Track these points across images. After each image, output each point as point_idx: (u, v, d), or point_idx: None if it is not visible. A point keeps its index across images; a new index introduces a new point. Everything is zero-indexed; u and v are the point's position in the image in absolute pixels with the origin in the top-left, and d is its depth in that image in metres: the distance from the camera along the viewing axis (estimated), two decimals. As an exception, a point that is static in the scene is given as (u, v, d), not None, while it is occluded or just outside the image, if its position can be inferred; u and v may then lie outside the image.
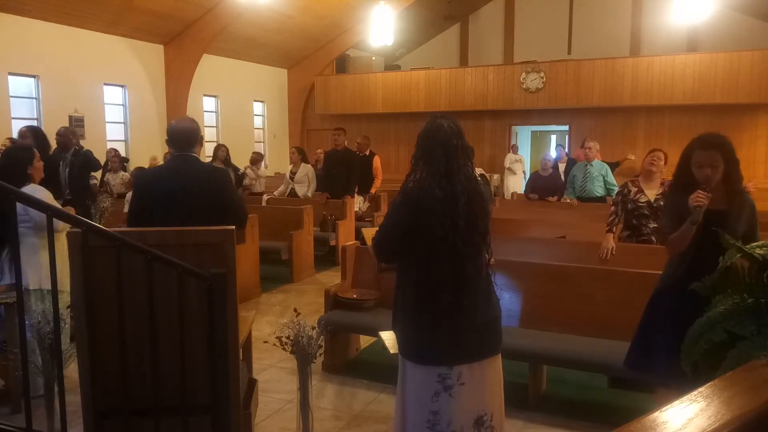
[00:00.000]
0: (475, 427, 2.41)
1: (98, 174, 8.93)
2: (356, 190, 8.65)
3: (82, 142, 8.76)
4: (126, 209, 5.64)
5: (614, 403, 3.83)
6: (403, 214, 2.38)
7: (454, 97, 14.51)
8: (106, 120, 11.75)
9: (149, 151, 11.74)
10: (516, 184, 12.84)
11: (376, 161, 9.18)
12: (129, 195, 6.44)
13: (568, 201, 7.74)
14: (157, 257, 2.27)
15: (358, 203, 8.87)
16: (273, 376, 4.27)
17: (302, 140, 16.36)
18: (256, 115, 15.81)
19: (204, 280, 2.34)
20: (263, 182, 10.04)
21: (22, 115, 10.22)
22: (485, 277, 2.45)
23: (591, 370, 3.69)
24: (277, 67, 16.02)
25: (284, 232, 7.23)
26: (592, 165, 7.30)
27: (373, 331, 3.79)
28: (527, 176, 12.40)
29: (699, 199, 2.74)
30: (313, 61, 15.99)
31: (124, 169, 9.47)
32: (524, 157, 13.75)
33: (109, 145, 11.03)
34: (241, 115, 15.11)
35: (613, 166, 8.52)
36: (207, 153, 13.01)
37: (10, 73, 9.95)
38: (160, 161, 9.86)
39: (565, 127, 14.77)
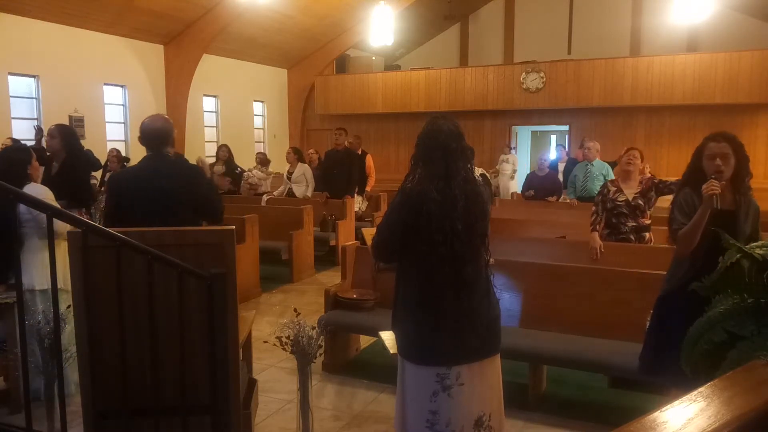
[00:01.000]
0: (475, 427, 2.41)
1: (98, 174, 8.93)
2: (356, 190, 8.67)
3: (82, 142, 8.76)
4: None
5: (614, 403, 3.83)
6: (401, 215, 2.38)
7: (454, 97, 14.50)
8: (106, 120, 11.74)
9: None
10: (506, 185, 12.32)
11: (369, 160, 9.23)
12: None
13: (568, 201, 7.74)
14: (157, 257, 2.27)
15: (357, 203, 8.88)
16: (273, 376, 4.27)
17: (302, 140, 16.35)
18: (256, 115, 15.81)
19: (204, 280, 2.34)
20: (269, 183, 10.03)
21: (22, 115, 10.22)
22: (484, 277, 2.45)
23: (591, 370, 3.69)
24: (277, 67, 16.02)
25: (284, 232, 7.23)
26: (593, 165, 7.32)
27: (373, 331, 3.79)
28: (519, 176, 12.14)
29: (713, 186, 2.75)
30: (313, 61, 15.98)
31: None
32: (514, 156, 13.18)
33: (110, 145, 11.02)
34: (241, 115, 15.11)
35: (613, 164, 8.51)
36: (209, 153, 13.05)
37: (10, 73, 9.94)
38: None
39: (565, 127, 14.77)
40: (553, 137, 16.60)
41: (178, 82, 12.74)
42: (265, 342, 4.30)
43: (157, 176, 3.19)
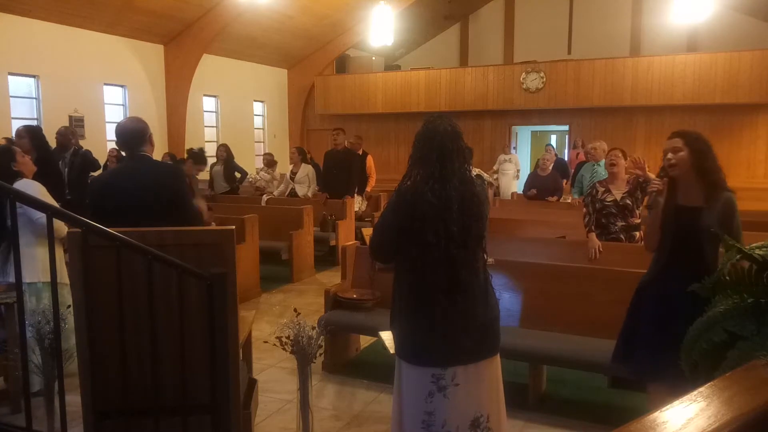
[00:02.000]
0: (471, 428, 2.40)
1: (98, 173, 8.93)
2: (356, 190, 8.67)
3: (82, 142, 8.76)
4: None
5: (614, 403, 3.83)
6: (396, 216, 2.38)
7: (454, 97, 14.50)
8: (106, 120, 11.74)
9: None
10: (510, 185, 12.13)
11: (369, 160, 9.22)
12: None
13: (569, 200, 7.74)
14: (157, 257, 2.27)
15: (357, 203, 8.88)
16: (273, 376, 4.27)
17: (302, 140, 16.36)
18: (256, 115, 15.81)
19: (204, 280, 2.34)
20: (277, 184, 10.01)
21: (22, 115, 10.22)
22: (482, 278, 2.43)
23: (591, 370, 3.69)
24: (277, 67, 16.02)
25: (284, 232, 7.23)
26: (599, 165, 7.32)
27: (373, 331, 3.79)
28: (522, 175, 12.16)
29: (654, 185, 2.86)
30: (313, 61, 15.98)
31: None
32: (516, 155, 13.14)
33: (110, 146, 11.02)
34: (241, 115, 15.11)
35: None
36: (209, 153, 13.03)
37: (10, 73, 9.94)
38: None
39: (565, 127, 14.77)
40: (554, 137, 16.60)
41: (178, 82, 12.74)
42: (265, 342, 4.30)
43: (131, 177, 3.19)
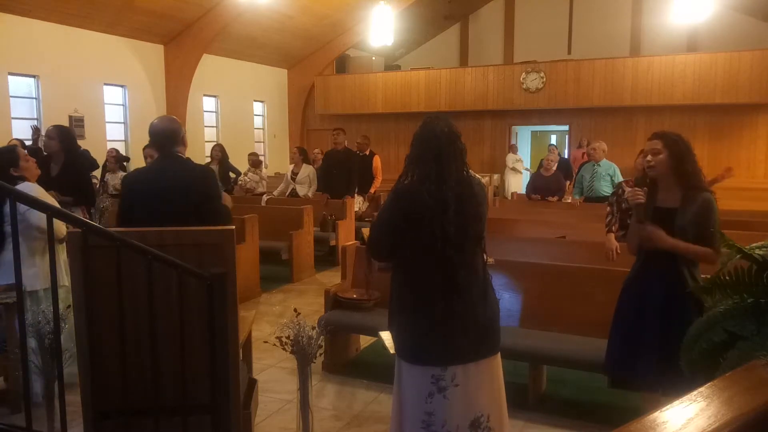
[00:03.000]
0: (471, 428, 2.40)
1: (98, 173, 8.94)
2: (356, 190, 8.66)
3: (82, 142, 8.76)
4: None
5: (614, 403, 3.83)
6: (392, 214, 2.38)
7: (454, 97, 14.50)
8: (106, 120, 11.74)
9: (149, 151, 11.73)
10: (518, 183, 12.87)
11: (377, 161, 9.18)
12: None
13: (570, 200, 7.74)
14: (157, 257, 2.27)
15: (357, 203, 8.87)
16: (273, 376, 4.27)
17: (302, 140, 16.36)
18: (256, 115, 15.81)
19: (204, 280, 2.34)
20: (266, 183, 10.02)
21: (22, 115, 10.22)
22: (482, 279, 2.43)
23: (591, 370, 3.68)
24: (277, 67, 16.02)
25: (284, 232, 7.22)
26: (599, 165, 7.36)
27: (373, 331, 3.79)
28: (527, 175, 12.40)
29: (636, 195, 2.88)
30: (313, 61, 15.98)
31: (124, 169, 9.46)
32: (522, 157, 13.81)
33: (109, 146, 11.03)
34: (241, 115, 15.11)
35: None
36: (206, 153, 13.04)
37: (10, 73, 9.94)
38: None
39: (565, 127, 14.77)
40: (554, 137, 16.61)
41: (178, 82, 12.74)
42: (265, 342, 4.30)
43: (161, 177, 3.19)
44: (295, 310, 3.23)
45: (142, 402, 2.39)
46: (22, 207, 3.34)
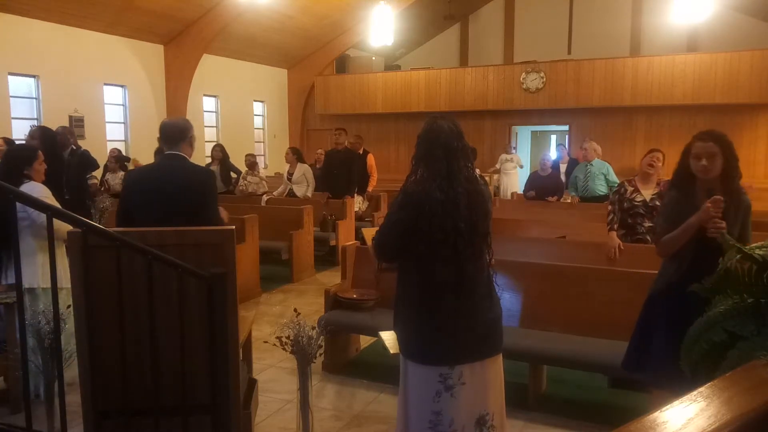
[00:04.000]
0: (477, 426, 2.41)
1: (99, 173, 8.93)
2: (356, 190, 8.67)
3: (82, 142, 8.77)
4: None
5: (614, 403, 3.83)
6: (403, 215, 2.38)
7: (454, 97, 14.50)
8: (106, 120, 11.74)
9: (149, 151, 11.73)
10: (511, 184, 12.50)
11: (371, 159, 9.21)
12: None
13: (569, 200, 7.75)
14: (157, 257, 2.27)
15: (357, 203, 8.87)
16: (273, 376, 4.27)
17: (302, 140, 16.36)
18: (256, 115, 15.81)
19: (204, 280, 2.34)
20: (266, 184, 10.00)
21: (22, 115, 10.22)
22: (486, 277, 2.44)
23: (591, 370, 3.69)
24: (277, 67, 16.02)
25: (284, 232, 7.23)
26: (592, 164, 7.39)
27: (373, 331, 3.79)
28: (523, 174, 12.28)
29: (715, 227, 2.60)
30: (313, 61, 15.98)
31: (124, 169, 9.46)
32: (517, 155, 13.22)
33: (110, 146, 11.03)
34: (241, 115, 15.11)
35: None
36: (206, 153, 13.04)
37: (10, 73, 9.94)
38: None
39: (565, 127, 14.77)
40: (554, 137, 16.61)
41: (178, 82, 12.74)
42: (265, 342, 4.30)
43: (160, 176, 3.21)
44: (295, 310, 3.23)
45: (142, 402, 2.39)
46: (30, 209, 3.35)
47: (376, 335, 3.64)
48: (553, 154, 13.57)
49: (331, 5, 13.48)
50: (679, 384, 2.68)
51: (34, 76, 10.34)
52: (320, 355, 3.29)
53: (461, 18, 17.32)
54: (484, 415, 2.42)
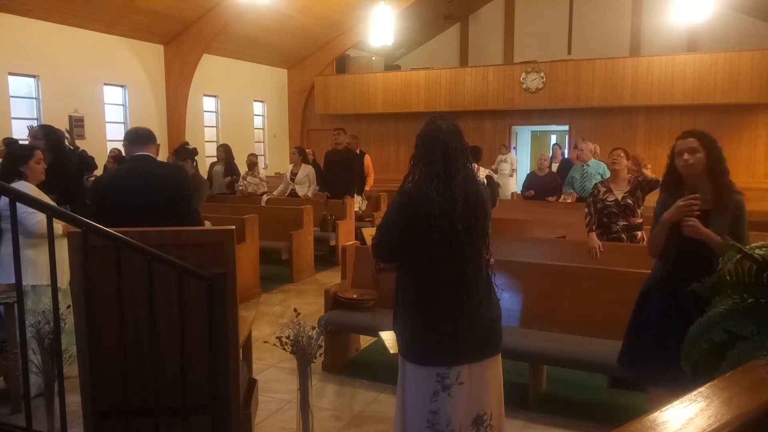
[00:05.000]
0: (474, 426, 2.41)
1: (98, 173, 8.91)
2: (356, 190, 8.67)
3: (82, 143, 8.76)
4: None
5: (614, 403, 3.84)
6: (401, 215, 2.38)
7: (454, 97, 14.50)
8: (106, 120, 11.73)
9: (149, 151, 11.72)
10: (508, 185, 12.29)
11: (367, 159, 9.23)
12: None
13: (569, 199, 7.75)
14: (157, 257, 2.27)
15: (357, 203, 8.88)
16: (273, 376, 4.27)
17: (302, 140, 16.35)
18: (256, 115, 15.80)
19: (204, 280, 2.34)
20: (266, 184, 9.99)
21: (22, 115, 10.22)
22: (485, 277, 2.44)
23: (591, 370, 3.69)
24: (277, 67, 16.02)
25: (284, 232, 7.23)
26: (588, 165, 7.43)
27: (373, 331, 3.79)
28: (519, 175, 12.19)
29: (686, 224, 2.66)
30: (313, 61, 15.98)
31: (124, 169, 9.43)
32: (512, 155, 13.08)
33: (110, 146, 11.01)
34: (241, 115, 15.10)
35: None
36: (209, 153, 13.05)
37: (10, 73, 9.93)
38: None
39: (565, 127, 14.76)
40: (553, 137, 16.60)
41: (178, 82, 12.74)
42: (265, 342, 4.30)
43: (134, 176, 3.24)
44: (295, 310, 3.23)
45: (142, 402, 2.39)
46: (4, 202, 3.33)
47: (376, 335, 3.64)
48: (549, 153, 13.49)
49: (331, 5, 13.48)
50: (669, 381, 2.71)
51: (34, 76, 10.33)
52: (320, 355, 3.29)
53: (461, 18, 17.31)
54: (482, 415, 2.43)
